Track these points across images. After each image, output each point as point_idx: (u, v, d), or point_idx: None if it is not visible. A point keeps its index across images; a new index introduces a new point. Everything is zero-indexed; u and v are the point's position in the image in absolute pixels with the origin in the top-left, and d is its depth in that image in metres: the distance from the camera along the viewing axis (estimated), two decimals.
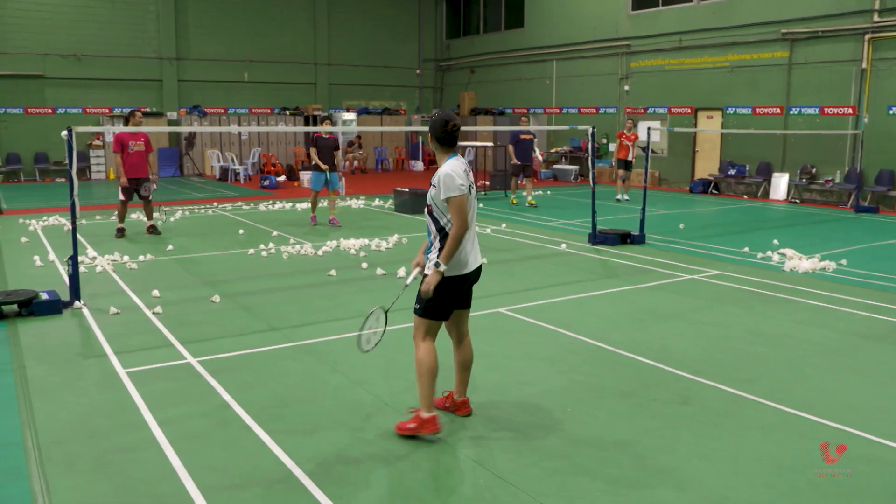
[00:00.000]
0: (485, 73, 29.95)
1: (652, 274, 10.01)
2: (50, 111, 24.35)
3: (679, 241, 12.55)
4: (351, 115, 28.74)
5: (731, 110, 20.97)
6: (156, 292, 8.65)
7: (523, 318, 7.73)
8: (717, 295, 8.85)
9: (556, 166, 25.59)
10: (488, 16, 30.03)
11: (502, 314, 7.92)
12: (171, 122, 25.74)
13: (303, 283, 9.50)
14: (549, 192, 20.67)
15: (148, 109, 25.10)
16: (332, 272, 9.90)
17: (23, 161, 23.92)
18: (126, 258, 10.72)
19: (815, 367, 6.32)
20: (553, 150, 26.57)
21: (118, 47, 25.06)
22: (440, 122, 4.82)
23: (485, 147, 22.92)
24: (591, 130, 12.35)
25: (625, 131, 18.81)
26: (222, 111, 27.15)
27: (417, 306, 4.83)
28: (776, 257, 11.01)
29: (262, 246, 11.70)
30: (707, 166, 21.88)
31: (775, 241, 12.23)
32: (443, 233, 4.75)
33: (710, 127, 21.61)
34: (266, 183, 21.80)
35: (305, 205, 16.22)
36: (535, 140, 17.81)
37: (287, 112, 28.06)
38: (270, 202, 17.77)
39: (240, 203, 17.77)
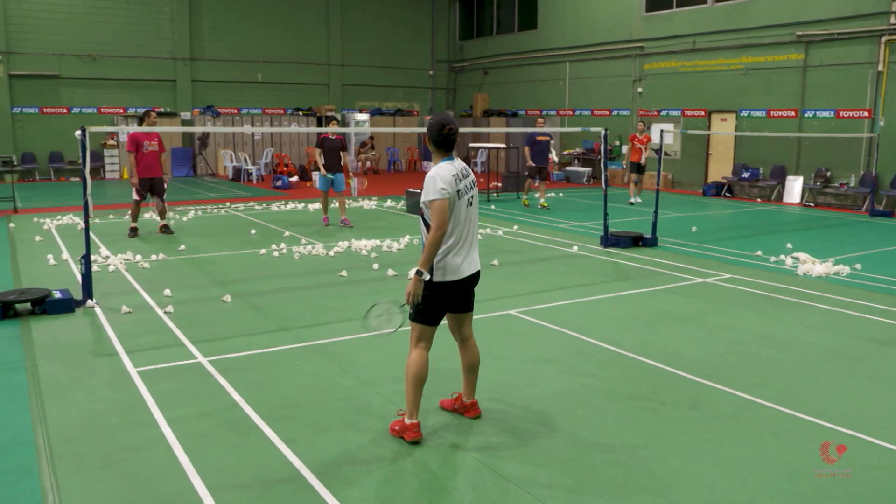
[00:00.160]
0: (498, 74, 29.94)
1: (663, 277, 9.97)
2: (65, 111, 24.52)
3: (691, 244, 12.50)
4: (364, 116, 28.81)
5: (745, 113, 20.87)
6: (167, 292, 8.69)
7: (533, 321, 7.72)
8: (728, 298, 8.80)
9: (568, 168, 25.55)
10: (502, 17, 30.02)
11: (512, 316, 7.90)
12: (184, 123, 25.86)
13: (314, 283, 9.52)
14: (561, 194, 20.63)
15: (162, 109, 25.24)
16: (344, 273, 9.91)
17: (38, 160, 24.10)
18: (138, 257, 10.78)
19: (827, 371, 6.28)
20: (566, 152, 26.51)
21: (133, 48, 25.21)
22: (437, 125, 4.76)
23: (497, 148, 22.92)
24: (603, 132, 12.32)
25: (637, 134, 18.73)
26: (235, 111, 27.26)
27: (410, 311, 4.82)
28: (789, 261, 10.94)
29: (273, 246, 11.74)
30: (720, 169, 21.78)
31: (789, 245, 12.15)
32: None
33: (723, 129, 21.52)
34: (278, 183, 21.86)
35: (317, 205, 16.25)
36: (552, 141, 17.73)
37: (300, 113, 28.14)
38: (283, 202, 17.82)
39: (252, 203, 17.83)
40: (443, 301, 4.79)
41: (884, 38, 17.62)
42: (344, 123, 29.04)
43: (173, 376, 6.01)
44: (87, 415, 5.22)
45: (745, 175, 20.61)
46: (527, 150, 17.07)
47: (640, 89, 23.83)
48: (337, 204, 14.57)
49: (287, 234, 13.16)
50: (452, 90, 32.54)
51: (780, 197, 19.86)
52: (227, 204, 17.68)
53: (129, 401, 5.48)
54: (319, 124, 27.67)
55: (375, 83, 30.37)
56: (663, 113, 23.19)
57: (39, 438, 4.84)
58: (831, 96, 18.86)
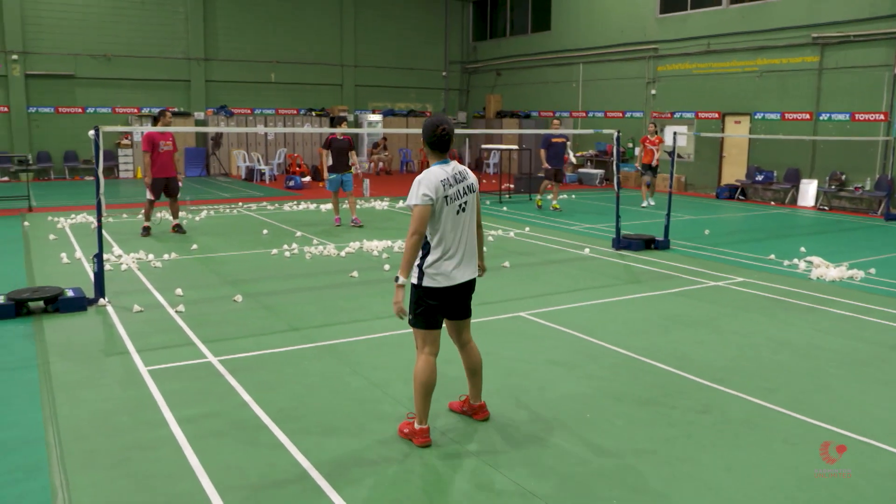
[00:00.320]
0: (511, 75, 29.91)
1: (675, 280, 9.93)
2: (80, 111, 24.66)
3: (704, 248, 12.44)
4: (376, 117, 28.84)
5: (759, 115, 20.76)
6: (179, 291, 8.72)
7: (544, 323, 7.70)
8: (741, 302, 8.75)
9: (581, 170, 25.49)
10: (515, 18, 29.99)
11: (523, 318, 7.89)
12: (198, 122, 25.97)
13: (325, 283, 9.53)
14: (573, 196, 20.59)
15: (176, 109, 25.35)
16: (355, 273, 9.92)
17: (53, 159, 24.26)
18: (151, 256, 10.82)
19: (840, 377, 6.23)
20: (578, 154, 26.45)
21: (147, 48, 25.34)
22: (431, 126, 4.69)
23: (510, 150, 22.90)
24: (616, 134, 12.27)
25: (648, 136, 18.64)
26: (249, 112, 27.35)
27: (410, 316, 4.81)
28: (803, 265, 10.87)
29: (285, 246, 11.76)
30: (734, 172, 21.68)
31: (802, 249, 12.08)
32: (423, 241, 4.70)
33: (737, 132, 21.41)
34: (291, 183, 21.92)
35: (330, 206, 16.27)
36: (569, 143, 17.65)
37: (313, 113, 28.20)
38: (295, 202, 17.86)
39: (265, 203, 17.88)
40: (436, 306, 4.74)
41: None
42: (356, 124, 29.11)
43: (183, 375, 6.03)
44: (98, 413, 5.24)
45: (759, 178, 20.50)
46: (542, 152, 16.98)
47: (653, 91, 23.75)
48: (347, 205, 14.59)
49: (299, 234, 13.18)
50: (465, 91, 32.54)
51: (794, 200, 19.74)
52: (240, 204, 17.74)
53: (139, 399, 5.50)
54: (332, 125, 27.71)
55: (388, 84, 30.39)
56: (677, 115, 23.10)
57: (50, 436, 4.86)
58: (847, 99, 18.73)
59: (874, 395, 5.84)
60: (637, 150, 20.93)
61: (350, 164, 13.92)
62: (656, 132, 18.60)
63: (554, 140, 16.88)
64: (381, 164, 27.68)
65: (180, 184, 13.19)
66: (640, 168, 18.63)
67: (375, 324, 7.47)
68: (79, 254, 11.00)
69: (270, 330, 7.39)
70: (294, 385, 5.85)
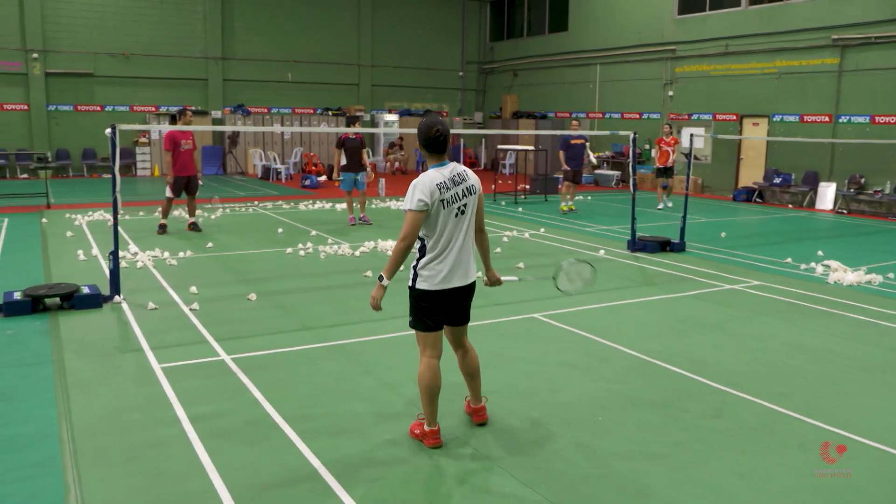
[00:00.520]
0: (528, 76, 29.86)
1: (691, 283, 9.87)
2: (99, 108, 24.84)
3: (720, 250, 12.36)
4: (393, 117, 28.87)
5: (777, 117, 20.60)
6: (194, 289, 8.77)
7: (558, 325, 7.67)
8: (756, 306, 8.68)
9: (597, 171, 25.40)
10: (532, 19, 29.93)
11: (537, 319, 7.86)
12: (215, 121, 26.10)
13: (339, 283, 9.54)
14: (589, 198, 20.52)
15: (194, 108, 25.48)
16: (369, 273, 9.93)
17: (71, 157, 24.46)
18: (166, 254, 10.88)
19: (856, 383, 6.16)
20: (595, 155, 26.35)
21: (166, 47, 25.48)
22: (425, 128, 4.65)
23: (526, 151, 22.85)
24: (632, 136, 12.22)
25: (663, 137, 18.49)
26: (266, 111, 27.45)
27: (410, 318, 4.80)
28: (820, 269, 10.77)
29: (300, 245, 11.79)
30: (751, 174, 21.52)
31: (820, 253, 11.97)
32: (420, 243, 4.69)
33: (755, 134, 21.26)
34: (307, 182, 21.99)
35: (344, 205, 16.29)
36: (588, 144, 17.47)
37: (329, 112, 28.28)
38: (311, 202, 17.91)
39: (280, 202, 17.94)
40: (431, 308, 4.69)
41: None
42: (373, 124, 29.16)
43: (197, 373, 6.06)
44: (111, 410, 5.27)
45: (777, 180, 20.35)
46: (561, 154, 16.84)
47: (670, 93, 23.63)
48: (358, 204, 14.64)
49: (314, 233, 13.21)
50: (482, 91, 32.51)
51: (812, 203, 19.58)
52: (256, 202, 17.80)
53: (152, 397, 5.52)
54: (348, 124, 27.75)
55: (405, 84, 30.41)
56: (694, 117, 22.97)
57: (63, 432, 4.90)
58: (867, 101, 18.55)
59: (890, 401, 5.77)
60: (653, 152, 20.82)
61: (363, 162, 13.96)
62: (671, 133, 18.46)
63: (573, 141, 16.76)
64: (396, 163, 27.72)
65: (200, 182, 13.28)
66: (656, 168, 18.42)
67: (388, 324, 7.47)
68: (95, 251, 11.08)
69: (283, 329, 7.40)
70: (306, 384, 5.86)
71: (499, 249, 11.83)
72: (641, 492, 4.25)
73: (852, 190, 18.68)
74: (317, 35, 28.12)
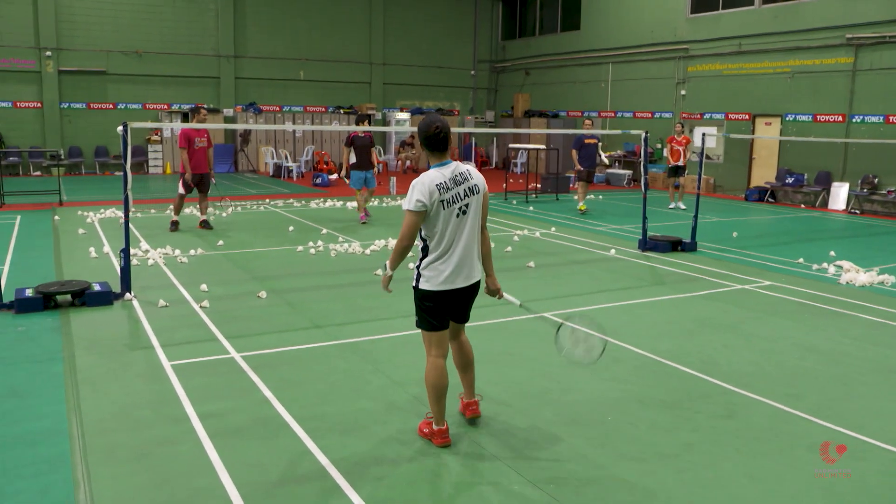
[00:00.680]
0: (539, 74, 29.80)
1: (702, 283, 9.83)
2: (111, 106, 24.95)
3: (731, 250, 12.29)
4: (405, 115, 28.88)
5: (790, 117, 20.48)
6: (204, 286, 8.79)
7: (569, 324, 7.62)
8: (768, 306, 8.63)
9: (609, 171, 25.34)
10: (544, 17, 29.86)
11: (548, 319, 7.83)
12: (227, 119, 26.16)
13: (349, 281, 9.55)
14: (600, 197, 20.45)
15: (207, 106, 25.55)
16: (379, 271, 9.93)
17: (84, 154, 24.58)
18: (177, 252, 10.91)
19: (868, 384, 6.12)
20: (607, 155, 26.28)
21: (178, 45, 25.56)
22: (425, 126, 4.63)
23: (537, 149, 22.81)
24: (644, 135, 12.17)
25: (675, 135, 18.37)
26: (277, 109, 27.50)
27: (416, 318, 4.80)
28: (832, 269, 10.70)
29: (310, 243, 11.80)
30: (764, 174, 21.41)
31: (832, 253, 11.89)
32: (423, 244, 4.69)
33: (768, 134, 21.15)
34: (318, 180, 22.01)
35: (355, 203, 16.30)
36: (601, 144, 17.38)
37: (341, 111, 28.31)
38: (322, 200, 17.92)
39: (291, 200, 17.96)
40: (436, 308, 4.68)
41: None
42: (385, 122, 29.17)
43: (207, 371, 6.07)
44: (121, 407, 5.29)
45: (789, 180, 20.24)
46: (574, 153, 16.74)
47: (683, 92, 23.54)
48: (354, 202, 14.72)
49: (324, 231, 13.22)
50: (494, 90, 32.47)
51: (824, 203, 19.46)
52: (267, 200, 17.84)
53: (162, 394, 5.54)
54: (358, 123, 27.77)
55: (417, 82, 30.41)
56: (706, 116, 22.87)
57: (73, 429, 4.91)
58: (881, 101, 18.42)
59: None
60: (665, 151, 20.73)
61: (372, 160, 14.02)
62: (683, 132, 18.35)
63: (587, 141, 16.66)
64: (408, 161, 27.73)
65: (213, 181, 13.37)
66: (668, 167, 18.28)
67: (398, 322, 7.47)
68: (107, 248, 11.13)
69: (293, 327, 7.41)
70: (316, 383, 5.86)
71: (509, 248, 11.81)
72: (650, 493, 4.23)
73: (865, 190, 18.55)
74: (329, 33, 28.15)
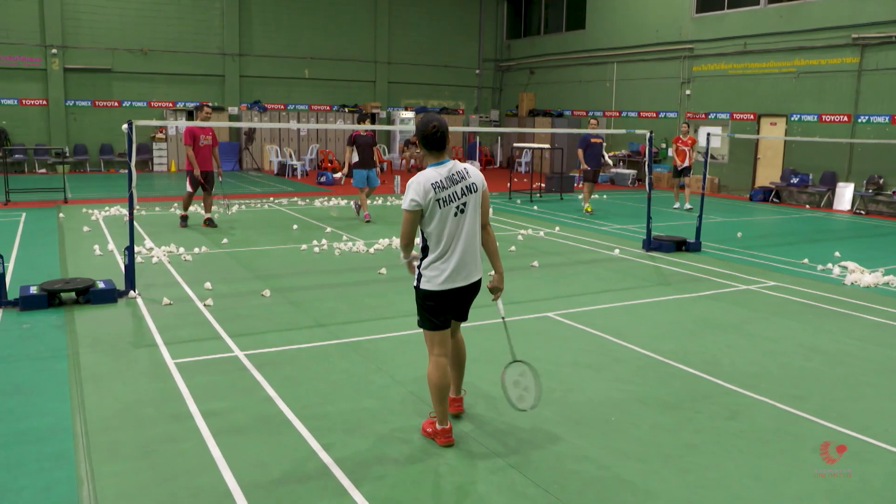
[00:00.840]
0: (544, 74, 29.77)
1: (706, 283, 9.81)
2: (116, 104, 24.99)
3: (736, 251, 12.27)
4: (409, 114, 28.87)
5: (795, 117, 20.43)
6: (208, 285, 8.80)
7: (572, 324, 7.64)
8: (772, 307, 8.61)
9: (613, 170, 25.30)
10: (550, 17, 29.84)
11: (551, 319, 7.83)
12: (231, 117, 26.18)
13: (353, 280, 9.55)
14: (605, 196, 20.42)
15: (212, 104, 25.57)
16: (383, 270, 9.93)
17: (89, 152, 24.62)
18: (181, 250, 10.92)
19: (873, 386, 6.10)
20: (611, 154, 26.25)
21: (183, 43, 25.59)
22: (422, 125, 4.64)
23: (542, 149, 22.79)
24: (648, 135, 12.15)
25: (680, 136, 18.29)
26: (282, 107, 27.51)
27: (418, 318, 4.81)
28: (837, 270, 10.68)
29: (314, 242, 11.81)
30: (769, 174, 21.37)
31: (837, 254, 11.86)
32: (423, 243, 4.70)
33: (773, 134, 21.10)
34: (322, 179, 22.02)
35: (356, 202, 16.30)
36: (605, 144, 17.35)
37: (346, 109, 28.32)
38: (326, 198, 17.93)
39: (296, 198, 17.97)
40: (437, 307, 4.68)
41: None
42: (389, 121, 29.17)
43: (210, 369, 6.07)
44: (125, 404, 5.30)
45: (794, 181, 20.19)
46: (580, 152, 16.69)
47: (688, 91, 23.49)
48: (356, 201, 14.76)
49: (328, 230, 13.23)
50: (498, 89, 32.45)
51: (829, 204, 19.42)
52: (271, 199, 17.85)
53: (165, 392, 5.54)
54: (359, 122, 27.76)
55: (421, 81, 30.40)
56: (711, 116, 22.83)
57: (77, 426, 4.92)
58: (887, 101, 18.36)
59: None
60: (670, 151, 20.68)
61: (375, 159, 14.08)
62: (689, 132, 18.29)
63: (593, 140, 16.62)
64: (412, 160, 27.71)
65: (220, 179, 13.41)
66: (675, 167, 18.16)
67: (401, 321, 7.47)
68: (111, 246, 11.14)
69: (297, 326, 7.42)
70: (319, 381, 5.86)
71: (513, 248, 11.81)
72: (653, 493, 4.22)
73: (870, 190, 18.51)
74: (333, 32, 28.15)
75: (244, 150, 26.34)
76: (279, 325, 7.38)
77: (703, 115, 22.99)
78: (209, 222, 13.29)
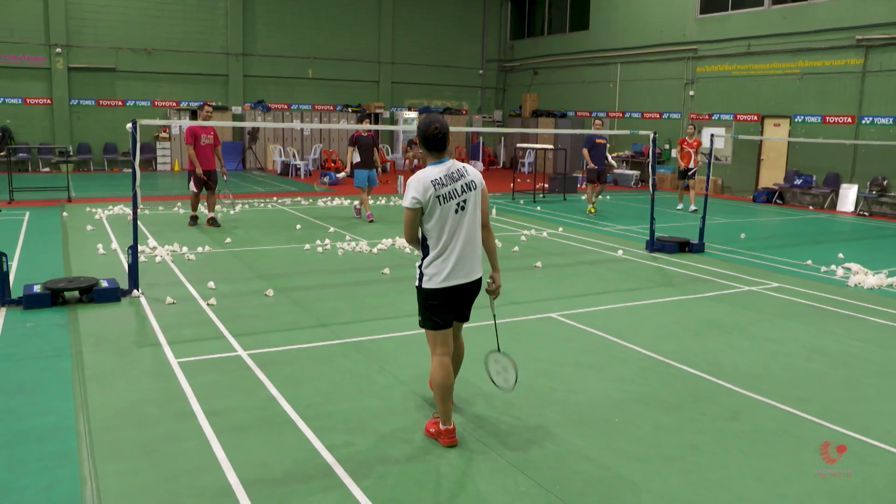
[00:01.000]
0: (548, 74, 29.76)
1: (709, 284, 9.80)
2: (120, 103, 25.02)
3: (739, 252, 12.26)
4: (413, 114, 28.89)
5: (799, 118, 20.41)
6: (211, 284, 8.81)
7: (575, 324, 7.64)
8: (775, 308, 8.61)
9: (616, 171, 25.28)
10: (553, 17, 29.83)
11: (554, 319, 7.83)
12: (235, 117, 26.21)
13: (356, 280, 9.56)
14: (608, 197, 20.41)
15: (214, 103, 25.60)
16: (386, 270, 9.94)
17: (93, 151, 24.66)
18: (185, 249, 10.93)
19: (877, 387, 6.09)
20: (614, 155, 26.22)
21: (187, 42, 25.63)
22: (424, 125, 4.66)
23: (545, 149, 22.78)
24: (652, 136, 12.15)
25: (686, 138, 18.24)
26: (286, 107, 27.53)
27: (419, 318, 4.82)
28: (840, 271, 10.67)
29: (318, 242, 11.82)
30: (772, 175, 21.34)
31: (840, 255, 11.84)
32: (423, 242, 4.71)
33: (776, 135, 21.07)
34: (326, 179, 22.02)
35: (357, 202, 16.30)
36: (608, 146, 17.31)
37: (349, 109, 28.34)
38: (329, 198, 17.93)
39: (299, 198, 17.98)
40: (440, 306, 4.69)
41: None
42: (392, 121, 29.19)
43: (213, 369, 6.08)
44: (128, 403, 5.31)
45: (798, 182, 20.16)
46: (586, 151, 16.65)
47: (691, 92, 23.47)
48: (357, 202, 14.79)
49: (332, 230, 13.24)
50: (502, 90, 32.45)
51: (833, 205, 19.39)
52: (275, 198, 17.87)
53: (169, 391, 5.55)
54: (359, 122, 27.76)
55: (425, 81, 30.41)
56: (714, 117, 22.80)
57: (80, 425, 4.93)
58: (891, 102, 18.33)
59: None
60: (674, 152, 20.64)
61: (375, 159, 14.16)
62: (695, 134, 18.22)
63: (598, 141, 16.61)
64: (415, 160, 27.71)
65: (225, 177, 13.44)
66: (680, 168, 18.09)
67: (404, 321, 7.47)
68: (114, 245, 11.16)
69: (300, 325, 7.42)
70: (322, 381, 5.86)
71: (516, 248, 11.80)
72: (656, 494, 4.22)
73: (874, 192, 18.47)
74: (337, 32, 28.17)
75: (248, 149, 26.37)
76: (282, 325, 7.39)
77: (707, 116, 22.97)
78: (212, 222, 13.30)
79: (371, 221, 14.21)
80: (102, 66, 24.49)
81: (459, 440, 4.79)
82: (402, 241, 11.85)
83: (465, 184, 4.66)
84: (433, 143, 4.65)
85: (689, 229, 13.73)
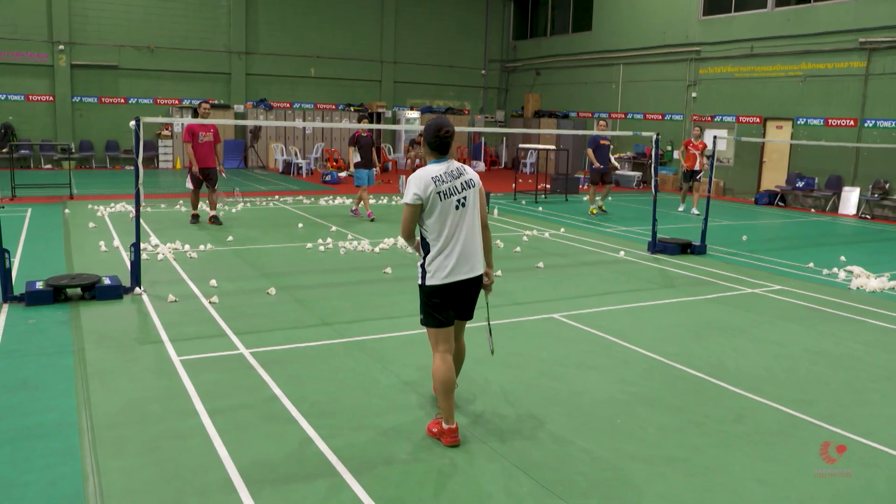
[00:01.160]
0: (550, 75, 29.76)
1: (711, 286, 9.79)
2: (122, 101, 25.03)
3: (741, 254, 12.25)
4: (414, 114, 28.89)
5: (801, 121, 20.40)
6: (213, 282, 8.80)
7: (577, 326, 7.63)
8: (778, 311, 8.60)
9: (618, 172, 25.26)
10: (556, 18, 29.82)
11: (556, 320, 7.83)
12: (237, 115, 26.22)
13: (358, 279, 9.56)
14: (610, 199, 20.38)
15: (215, 101, 25.62)
16: (388, 270, 9.94)
17: (95, 148, 24.67)
18: (187, 247, 10.93)
19: (880, 391, 6.08)
20: (617, 157, 26.21)
21: (190, 41, 25.64)
22: (433, 128, 4.70)
23: (547, 150, 22.79)
24: (655, 137, 12.14)
25: (692, 139, 18.19)
26: (288, 105, 27.53)
27: (421, 316, 4.84)
28: (842, 274, 10.66)
29: (319, 240, 11.82)
30: (774, 177, 21.34)
31: (842, 258, 11.83)
32: (424, 240, 4.74)
33: (779, 137, 21.06)
34: (327, 178, 22.02)
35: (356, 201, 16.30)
36: (612, 146, 17.30)
37: (351, 108, 28.34)
38: (331, 197, 17.94)
39: (301, 197, 17.98)
40: (443, 303, 4.71)
41: None
42: (394, 120, 29.19)
43: (215, 367, 6.08)
44: (130, 401, 5.30)
45: (800, 184, 20.15)
46: (590, 151, 16.63)
47: (694, 94, 23.46)
48: (353, 201, 14.85)
49: (334, 228, 13.24)
50: (504, 90, 32.44)
51: (835, 208, 19.38)
52: (276, 197, 17.87)
53: (171, 389, 5.55)
54: (370, 121, 27.78)
55: (427, 81, 30.41)
56: (717, 119, 22.80)
57: (83, 422, 4.93)
58: (894, 106, 18.31)
59: None
60: (676, 154, 20.62)
61: (373, 159, 14.27)
62: (701, 136, 18.13)
63: (602, 142, 16.59)
64: (417, 160, 27.70)
65: (223, 175, 13.43)
66: (683, 170, 18.05)
67: (407, 321, 7.46)
68: (116, 242, 11.16)
69: (302, 324, 7.42)
70: (324, 380, 5.86)
71: (518, 249, 11.79)
72: (660, 496, 4.22)
73: (876, 195, 18.47)
74: (340, 31, 28.18)
75: (249, 147, 26.38)
76: (284, 324, 7.39)
77: (709, 118, 22.96)
78: (214, 220, 13.30)
79: (372, 220, 14.22)
80: (105, 64, 24.50)
81: (462, 440, 4.78)
82: (403, 241, 11.85)
83: (465, 181, 4.72)
84: (440, 145, 4.71)
85: (691, 231, 13.72)
